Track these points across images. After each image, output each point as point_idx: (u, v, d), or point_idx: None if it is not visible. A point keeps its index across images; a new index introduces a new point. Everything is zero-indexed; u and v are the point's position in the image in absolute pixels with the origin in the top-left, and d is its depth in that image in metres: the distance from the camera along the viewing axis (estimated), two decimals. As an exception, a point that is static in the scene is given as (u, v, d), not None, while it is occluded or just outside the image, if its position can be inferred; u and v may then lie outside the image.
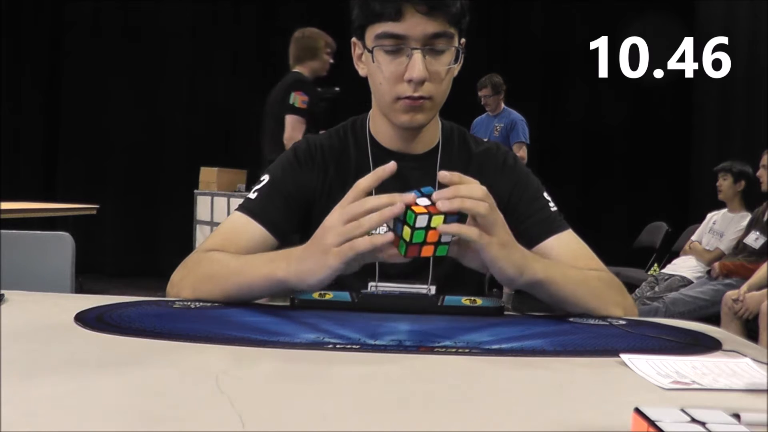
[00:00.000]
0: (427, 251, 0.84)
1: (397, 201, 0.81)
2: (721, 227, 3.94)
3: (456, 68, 1.07)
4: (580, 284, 0.98)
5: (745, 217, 3.85)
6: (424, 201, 0.82)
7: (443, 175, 0.84)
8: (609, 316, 0.96)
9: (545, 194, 1.17)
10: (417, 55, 1.01)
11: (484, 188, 0.85)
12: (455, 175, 0.85)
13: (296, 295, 0.97)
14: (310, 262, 0.87)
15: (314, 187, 1.14)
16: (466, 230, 0.84)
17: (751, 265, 3.45)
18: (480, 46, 5.61)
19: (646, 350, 0.74)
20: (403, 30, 1.00)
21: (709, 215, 4.12)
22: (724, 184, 3.92)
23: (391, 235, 0.83)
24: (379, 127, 1.16)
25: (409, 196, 0.82)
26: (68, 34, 6.46)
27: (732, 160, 3.98)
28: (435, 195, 0.82)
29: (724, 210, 4.00)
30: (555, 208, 1.15)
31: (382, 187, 1.13)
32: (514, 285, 0.92)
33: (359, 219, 0.82)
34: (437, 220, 0.81)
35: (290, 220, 1.12)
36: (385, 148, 1.16)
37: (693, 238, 4.12)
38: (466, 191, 0.83)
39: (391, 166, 0.85)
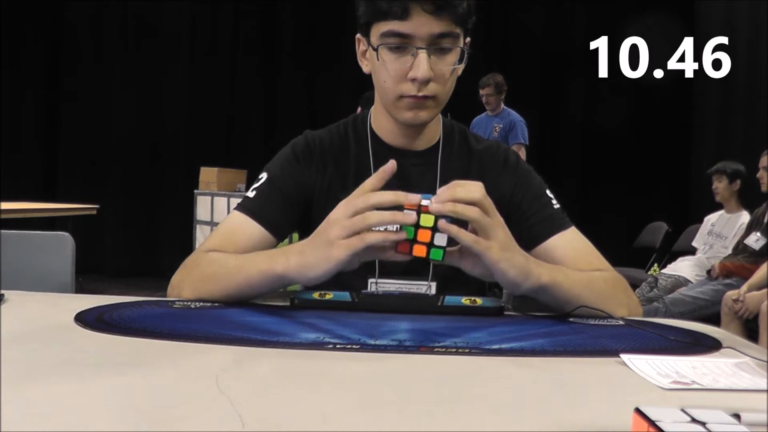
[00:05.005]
0: (419, 251, 0.83)
1: (401, 199, 0.81)
2: (720, 229, 3.94)
3: (460, 68, 1.07)
4: (585, 288, 0.97)
5: (744, 216, 3.85)
6: (424, 202, 0.82)
7: (441, 192, 0.82)
8: (614, 317, 0.96)
9: (548, 192, 1.16)
10: (422, 55, 1.01)
11: (481, 191, 0.84)
12: (453, 184, 0.84)
13: (296, 295, 0.97)
14: (313, 254, 0.86)
15: (313, 184, 1.13)
16: (462, 234, 0.82)
17: (751, 265, 3.45)
18: (479, 46, 5.61)
19: (646, 350, 0.74)
20: (409, 29, 1.00)
21: (706, 218, 4.13)
22: (720, 186, 3.93)
23: (403, 234, 0.82)
24: (381, 123, 1.16)
25: (415, 197, 0.81)
26: (68, 34, 6.46)
27: (725, 161, 3.98)
28: (433, 198, 0.82)
29: (721, 212, 4.01)
30: (558, 206, 1.14)
31: (384, 185, 1.13)
32: (519, 290, 0.90)
33: (364, 213, 0.82)
34: (427, 220, 0.81)
35: (289, 218, 1.12)
36: (387, 144, 1.16)
37: (693, 243, 4.12)
38: (462, 193, 0.82)
39: (391, 165, 0.84)
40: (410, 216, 0.80)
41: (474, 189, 0.83)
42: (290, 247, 0.92)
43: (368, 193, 0.83)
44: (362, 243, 0.82)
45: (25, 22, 6.40)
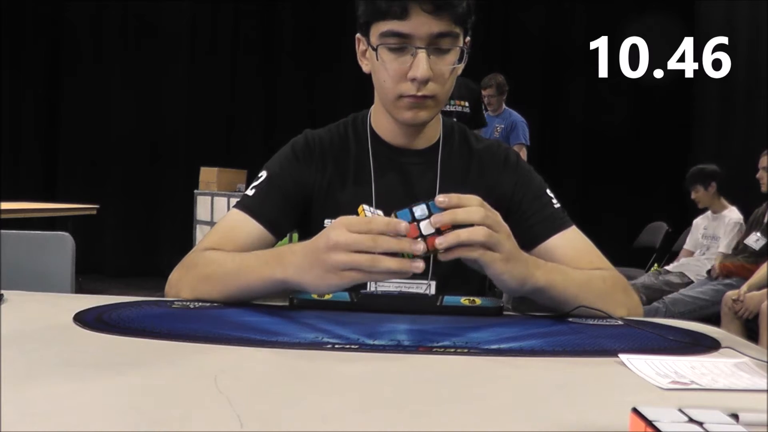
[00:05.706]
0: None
1: (407, 248, 0.78)
2: (713, 231, 3.95)
3: (460, 67, 1.07)
4: (583, 287, 0.96)
5: (731, 211, 3.87)
6: (424, 223, 0.80)
7: (440, 201, 0.80)
8: (613, 317, 0.95)
9: (548, 191, 1.16)
10: (421, 55, 1.01)
11: (480, 211, 0.81)
12: (453, 198, 0.81)
13: (295, 295, 0.97)
14: (313, 275, 0.83)
15: (313, 183, 1.13)
16: (465, 253, 0.81)
17: (750, 265, 3.45)
18: (479, 46, 5.61)
19: (644, 350, 0.74)
20: (408, 29, 1.00)
21: (695, 222, 4.13)
22: (698, 195, 3.94)
23: (408, 273, 0.79)
24: (381, 122, 1.16)
25: (419, 248, 0.78)
26: (68, 34, 6.46)
27: (693, 168, 4.00)
28: (432, 220, 0.79)
29: (707, 213, 4.01)
30: (558, 205, 1.14)
31: (384, 180, 1.13)
32: (516, 294, 0.91)
33: (371, 257, 0.78)
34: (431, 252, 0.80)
35: (288, 217, 1.12)
36: (387, 143, 1.16)
37: (686, 247, 4.12)
38: (462, 215, 0.80)
39: (405, 227, 0.79)
40: (418, 266, 0.78)
41: (474, 210, 0.81)
42: (286, 254, 0.89)
43: (377, 235, 0.78)
44: (366, 279, 0.81)
45: (25, 22, 6.40)
